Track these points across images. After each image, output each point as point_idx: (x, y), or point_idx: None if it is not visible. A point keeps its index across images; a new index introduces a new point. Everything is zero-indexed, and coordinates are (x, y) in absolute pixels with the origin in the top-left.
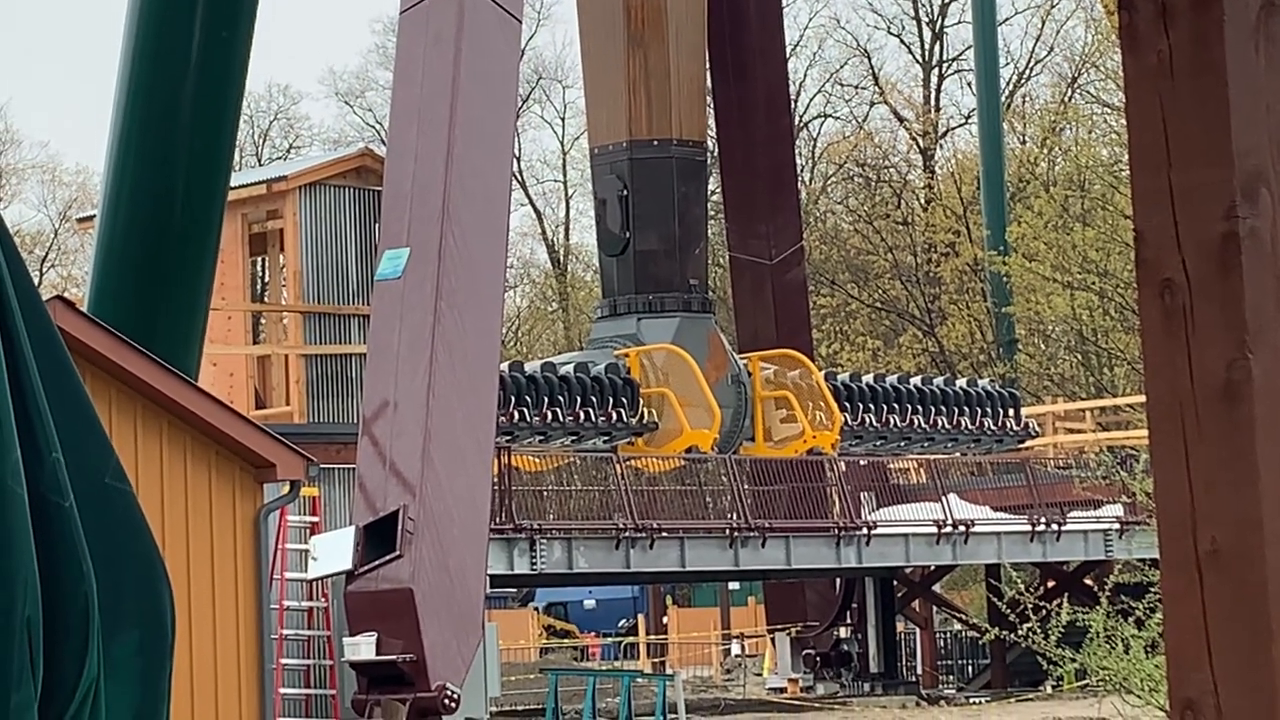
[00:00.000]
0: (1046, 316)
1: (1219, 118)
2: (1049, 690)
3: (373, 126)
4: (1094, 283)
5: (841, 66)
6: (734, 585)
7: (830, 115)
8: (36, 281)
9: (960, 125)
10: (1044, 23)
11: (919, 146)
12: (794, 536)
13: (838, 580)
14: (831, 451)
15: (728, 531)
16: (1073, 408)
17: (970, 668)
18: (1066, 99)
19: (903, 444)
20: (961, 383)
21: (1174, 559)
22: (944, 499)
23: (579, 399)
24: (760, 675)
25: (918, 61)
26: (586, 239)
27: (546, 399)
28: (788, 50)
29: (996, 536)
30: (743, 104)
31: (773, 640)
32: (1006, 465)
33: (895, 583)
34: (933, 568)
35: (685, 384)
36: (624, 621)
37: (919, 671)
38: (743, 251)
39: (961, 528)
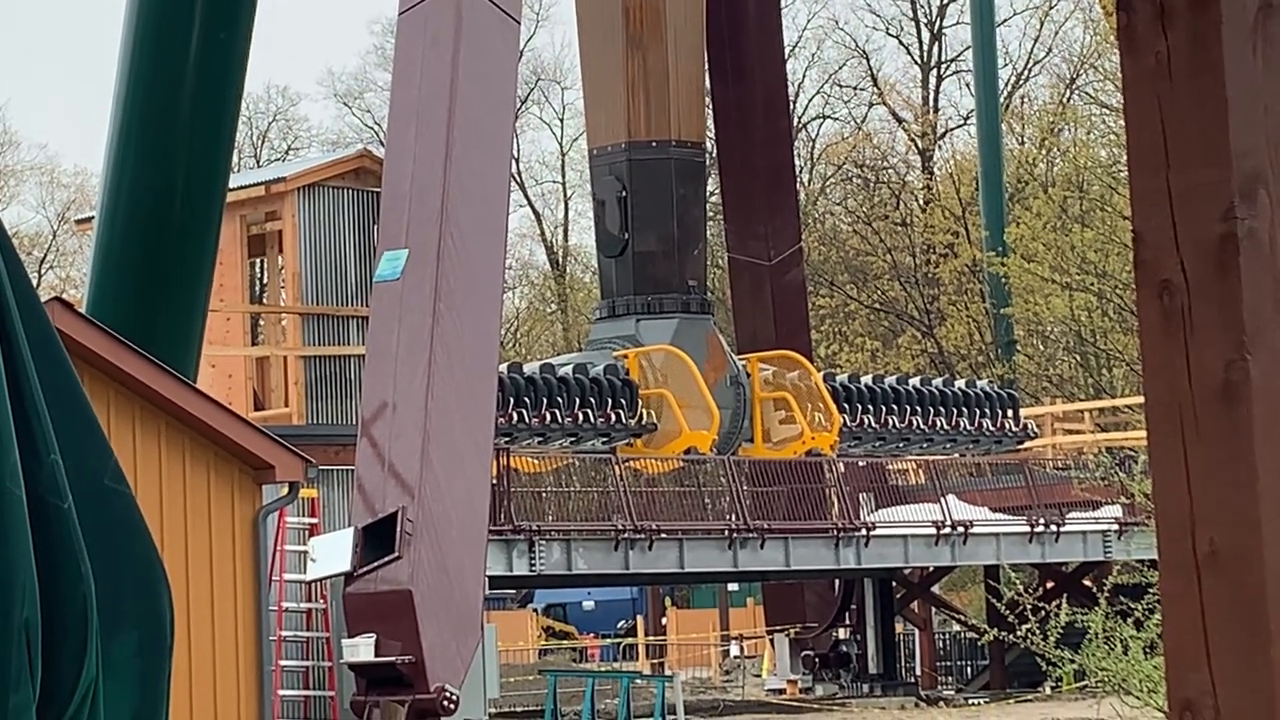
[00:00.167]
0: (1045, 317)
1: (1217, 119)
2: (1048, 691)
3: (371, 128)
4: (1092, 284)
5: (840, 67)
6: (733, 586)
7: (829, 116)
8: (35, 283)
9: (959, 126)
10: (1042, 24)
11: (918, 147)
12: (793, 538)
13: (837, 581)
14: (830, 452)
15: (726, 533)
16: (1071, 409)
17: (969, 669)
18: (1065, 100)
19: (901, 445)
20: (960, 384)
21: (1172, 560)
22: (943, 500)
23: (578, 400)
24: (759, 676)
25: (916, 62)
26: (585, 240)
27: (545, 400)
28: (786, 51)
29: (995, 537)
30: (741, 105)
31: (771, 641)
32: (1005, 466)
33: (894, 584)
34: (931, 569)
35: (684, 385)
36: (623, 623)
37: (918, 672)
38: (741, 252)
39: (960, 529)
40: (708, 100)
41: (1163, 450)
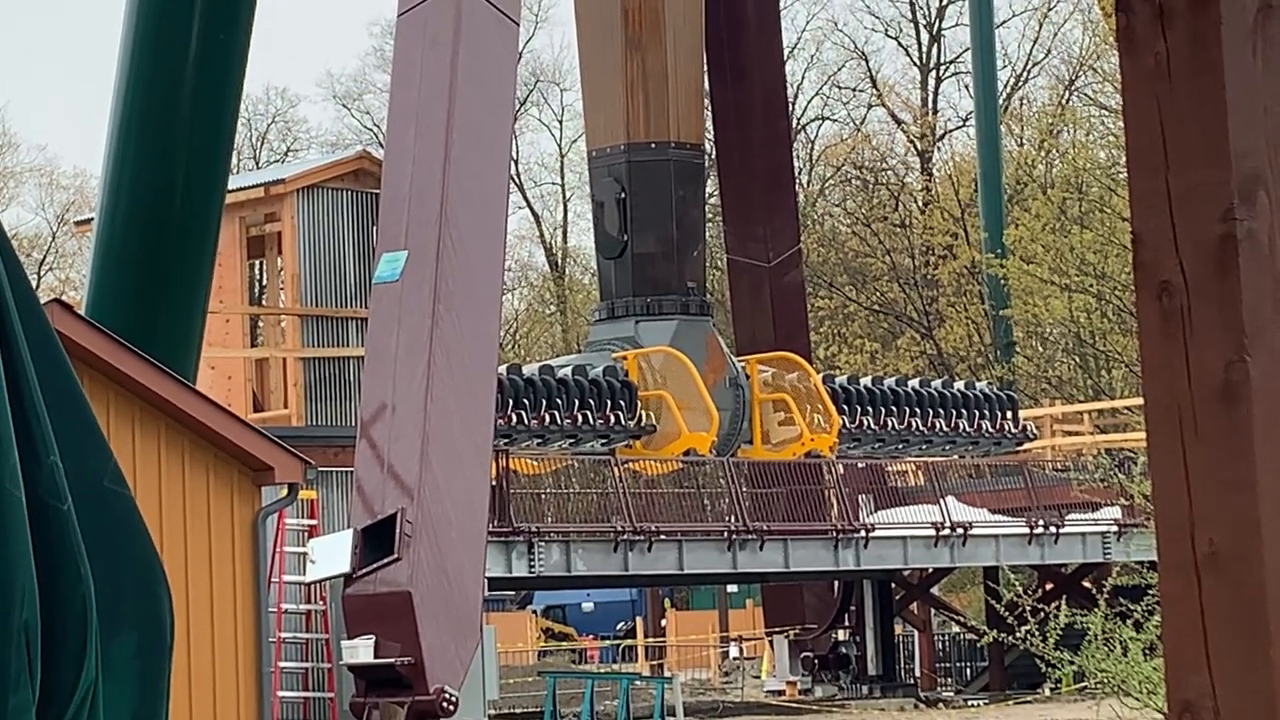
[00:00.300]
0: (1044, 319)
1: (1216, 120)
2: (1047, 693)
3: (370, 129)
4: (1092, 285)
5: (839, 69)
6: (732, 588)
7: (828, 118)
8: (34, 285)
9: (958, 128)
10: (1041, 25)
11: (917, 149)
12: (792, 539)
13: (836, 583)
14: (829, 454)
15: (726, 534)
16: (1071, 410)
17: (968, 670)
18: (1064, 101)
19: (901, 446)
20: (959, 385)
21: (1172, 561)
22: (942, 501)
23: (577, 402)
24: (758, 678)
25: (915, 64)
26: (584, 242)
27: (544, 402)
28: (785, 53)
29: (994, 539)
30: (740, 106)
31: (771, 643)
32: (1004, 468)
33: (893, 585)
34: (931, 570)
35: (683, 387)
36: (622, 624)
37: (917, 674)
38: (741, 254)
39: (960, 530)
40: (707, 102)
41: (1162, 451)
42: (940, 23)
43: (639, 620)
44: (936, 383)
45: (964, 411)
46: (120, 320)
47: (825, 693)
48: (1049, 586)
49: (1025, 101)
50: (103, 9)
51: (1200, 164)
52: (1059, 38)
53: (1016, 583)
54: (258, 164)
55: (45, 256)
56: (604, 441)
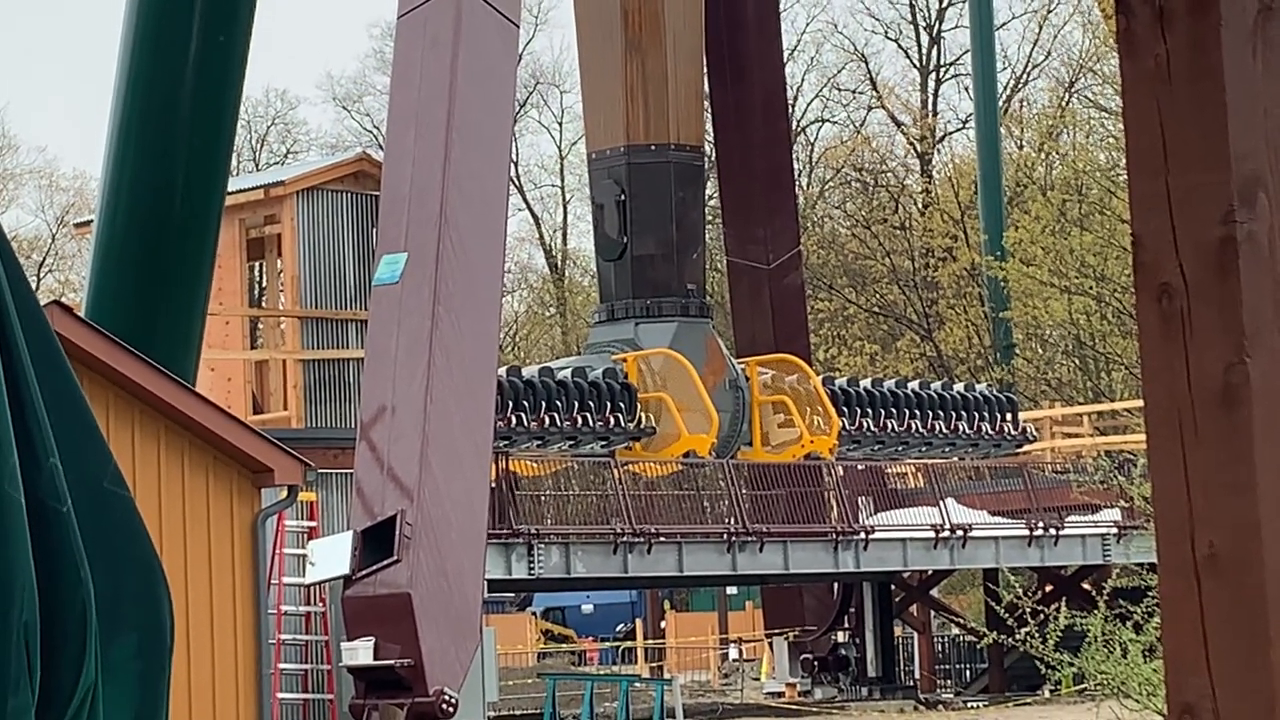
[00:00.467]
0: (1044, 321)
1: (1216, 122)
2: (1047, 695)
3: (370, 131)
4: (1091, 287)
5: (839, 71)
6: (732, 590)
7: (828, 120)
8: (34, 287)
9: (958, 130)
10: (1041, 27)
11: (916, 151)
12: (792, 541)
13: (835, 585)
14: (829, 456)
15: (725, 536)
16: (1070, 412)
17: (968, 672)
18: (1064, 103)
19: (900, 448)
20: (959, 387)
21: (1172, 563)
22: (942, 503)
23: (577, 404)
24: (758, 680)
25: (915, 66)
26: (584, 244)
27: (544, 404)
28: (785, 55)
29: (994, 541)
30: (740, 107)
31: (770, 645)
32: (1004, 470)
33: (893, 587)
34: (930, 572)
35: (683, 389)
36: (622, 626)
37: (917, 676)
38: (740, 256)
39: (959, 532)
40: (706, 103)
41: (1162, 453)
42: (940, 25)
43: (639, 622)
44: (936, 385)
45: (964, 413)
46: (120, 322)
47: (825, 694)
48: (1049, 588)
49: (1025, 103)
50: (102, 10)
51: (1200, 166)
52: (1059, 40)
53: (1016, 585)
54: (257, 166)
55: (45, 258)
56: (604, 443)
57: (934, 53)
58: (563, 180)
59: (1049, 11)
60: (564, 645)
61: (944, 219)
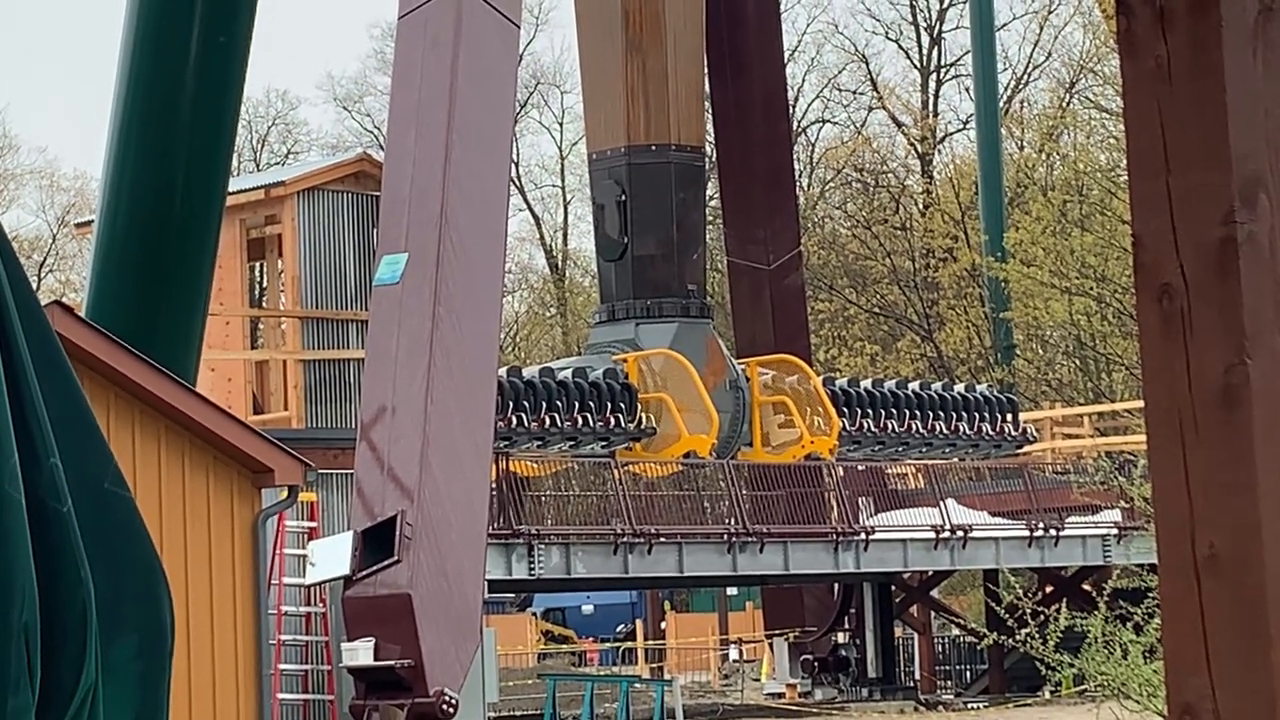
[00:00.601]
0: (1044, 322)
1: (1217, 122)
2: (1047, 695)
3: (371, 132)
4: (1092, 288)
5: (840, 72)
6: (732, 590)
7: (828, 120)
8: (35, 287)
9: (958, 130)
10: (1042, 28)
11: (917, 152)
12: (792, 542)
13: (836, 585)
14: (829, 456)
15: (726, 537)
16: (1071, 413)
17: (968, 673)
18: (1065, 104)
19: (901, 449)
20: (959, 388)
21: (1172, 564)
22: (942, 504)
23: (577, 404)
24: (758, 680)
25: (916, 67)
26: (585, 244)
27: (544, 404)
28: (786, 55)
29: (994, 542)
30: (741, 107)
31: (771, 645)
32: (1004, 470)
33: (893, 588)
34: (931, 573)
35: (683, 389)
36: (622, 627)
37: (917, 677)
38: (741, 256)
39: (959, 533)
40: (707, 104)
41: (1162, 454)
42: (941, 25)
43: (639, 623)
44: (937, 385)
45: (964, 414)
46: (120, 322)
47: (825, 695)
48: (1049, 589)
49: (1026, 104)
50: (103, 11)
51: (1201, 166)
52: (1059, 40)
53: (1016, 585)
54: (258, 166)
55: (45, 258)
56: (604, 444)
57: (935, 53)
58: (563, 180)
59: (1050, 12)
60: (564, 646)
61: (944, 219)
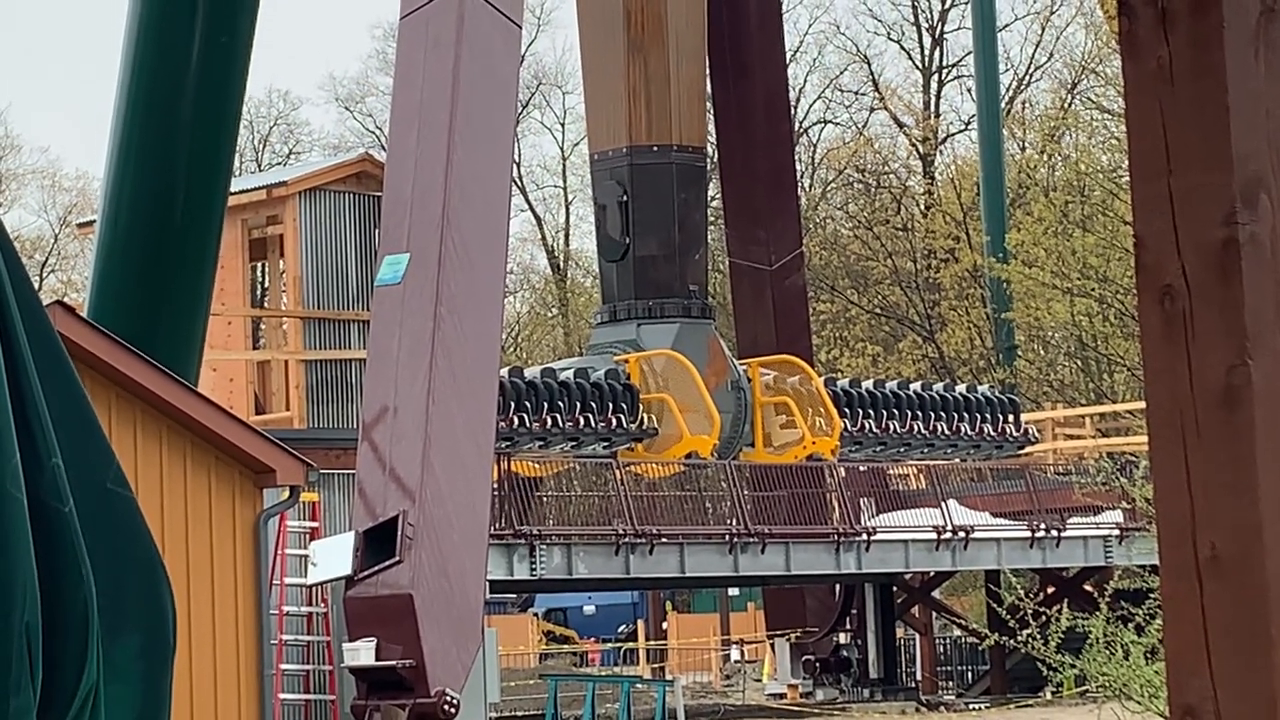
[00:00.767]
0: (1046, 322)
1: (1219, 123)
2: (1048, 696)
3: (373, 132)
4: (1094, 288)
5: (841, 72)
6: (734, 591)
7: (830, 121)
8: (36, 286)
9: (960, 131)
10: (1044, 29)
11: (919, 152)
12: (794, 542)
13: (837, 586)
14: (831, 457)
15: (727, 537)
16: (1072, 414)
17: (970, 673)
18: (1066, 105)
19: (902, 450)
20: (961, 388)
21: (1174, 565)
22: (944, 505)
23: (579, 405)
24: (760, 681)
25: (918, 67)
26: (586, 244)
27: (546, 405)
28: (787, 56)
29: (996, 542)
30: (742, 108)
31: (772, 646)
32: (1006, 471)
33: (895, 589)
34: (932, 573)
35: (685, 390)
36: (623, 627)
37: (919, 677)
38: (743, 257)
39: (961, 534)
40: (709, 104)
41: (1164, 455)
42: (942, 26)
43: (640, 623)
44: (938, 386)
45: (966, 415)
46: (122, 322)
47: (826, 696)
48: (1050, 590)
49: (1027, 105)
50: (105, 11)
51: (1202, 167)
52: (1061, 41)
53: (1018, 586)
54: (260, 166)
55: (47, 259)
56: (605, 444)
57: (936, 54)
58: (565, 181)
59: (1051, 13)
60: (566, 646)
61: (946, 220)
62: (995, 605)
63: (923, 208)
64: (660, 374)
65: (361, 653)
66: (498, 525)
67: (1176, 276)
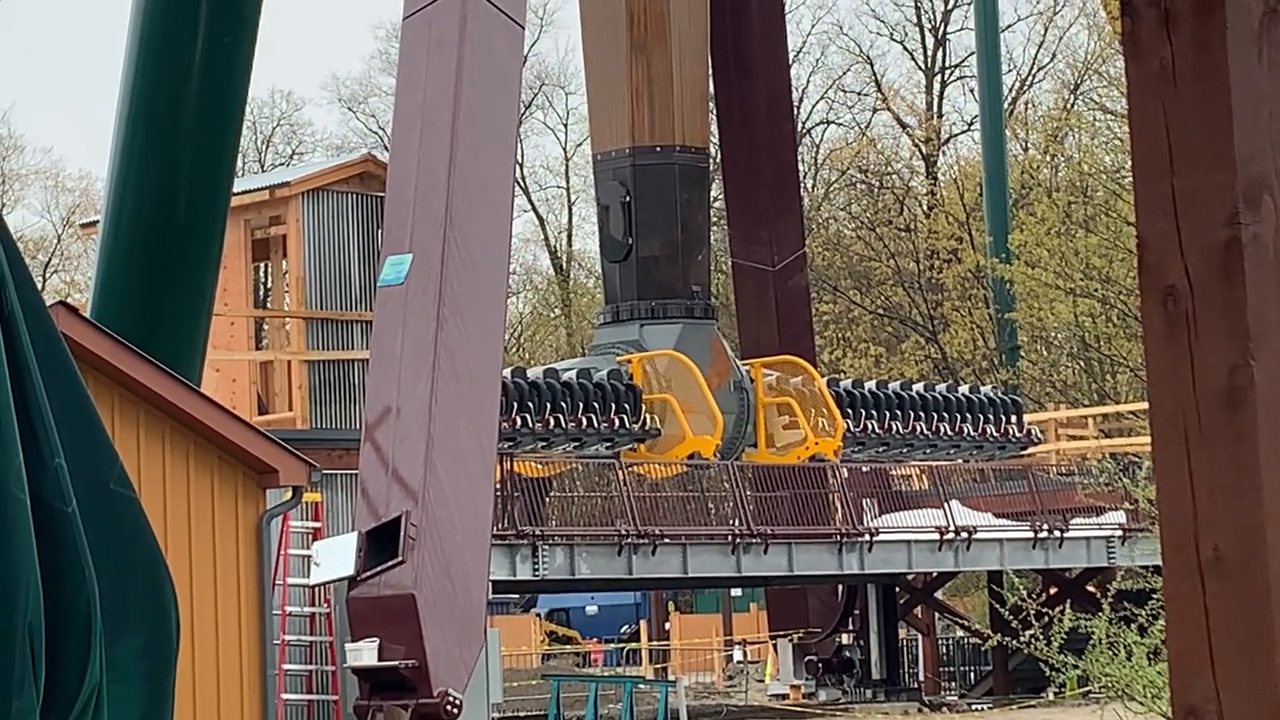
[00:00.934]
0: (1049, 323)
1: (1222, 124)
2: (1051, 697)
3: (376, 133)
4: (1096, 289)
5: (844, 73)
6: (736, 591)
7: (833, 122)
8: (40, 287)
9: (963, 132)
10: (1047, 29)
11: (921, 153)
12: (796, 543)
13: (840, 587)
14: (834, 458)
15: (730, 538)
16: (1075, 414)
17: (972, 674)
18: (1069, 105)
19: (905, 450)
20: (964, 389)
21: (1177, 566)
22: (946, 505)
23: (581, 405)
24: (762, 682)
25: (920, 68)
26: (589, 245)
27: (549, 405)
28: (790, 56)
29: (999, 543)
30: (745, 109)
31: (775, 646)
32: (1009, 472)
33: (897, 589)
34: (935, 574)
35: (688, 390)
36: (626, 627)
37: (921, 678)
38: (745, 258)
39: (964, 534)
40: (711, 105)
41: (1167, 456)
42: (945, 27)
43: (643, 623)
44: (941, 387)
45: (968, 415)
46: (125, 323)
47: (829, 696)
48: (1053, 591)
49: (1030, 105)
50: (108, 11)
51: (1205, 168)
52: (1064, 42)
53: (1021, 587)
54: (263, 167)
55: (50, 259)
56: (608, 445)
57: (939, 55)
58: (568, 181)
59: (1054, 13)
60: (568, 647)
61: (949, 221)
62: (998, 606)
63: (925, 208)
64: (663, 374)
65: (364, 653)
66: (500, 526)
67: (1179, 277)
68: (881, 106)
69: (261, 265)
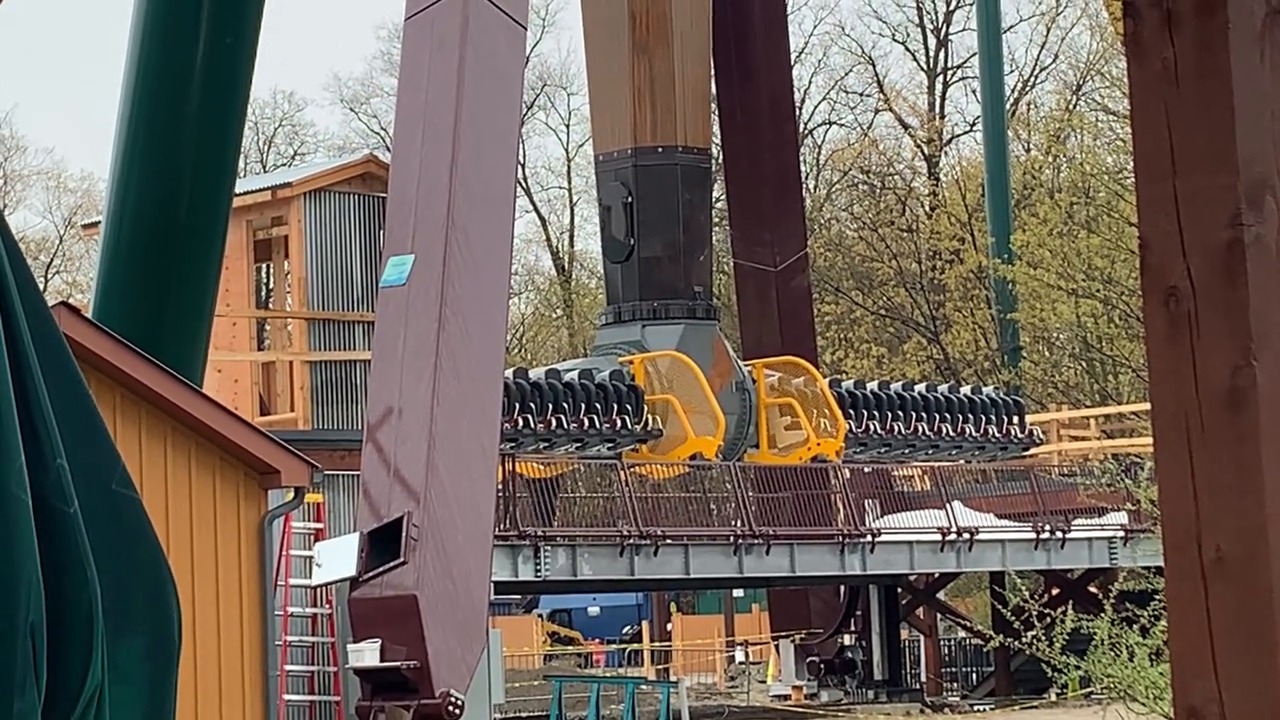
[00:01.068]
0: (1051, 324)
1: (1224, 124)
2: (1053, 698)
3: (378, 133)
4: (1099, 290)
5: (846, 74)
6: (738, 592)
7: (835, 122)
8: (41, 287)
9: (965, 132)
10: (1049, 30)
11: (924, 154)
12: (798, 544)
13: (842, 587)
14: (836, 459)
15: (732, 539)
16: (1077, 415)
17: (974, 675)
18: (1071, 106)
19: (907, 451)
20: (966, 390)
21: (1179, 567)
22: (948, 506)
23: (583, 406)
24: (764, 682)
25: (922, 69)
26: (591, 246)
27: (551, 406)
28: (792, 57)
29: (1001, 544)
30: (747, 109)
31: (777, 647)
32: (1011, 473)
33: (899, 590)
34: (937, 575)
35: (689, 391)
36: (628, 628)
37: (923, 679)
38: (747, 258)
39: (966, 535)
40: (714, 105)
41: (1169, 457)
42: (947, 28)
43: (645, 624)
44: (943, 387)
45: (970, 416)
46: (127, 323)
47: (831, 697)
48: (1055, 591)
49: (1032, 106)
50: (109, 12)
51: (1208, 169)
52: (1066, 42)
53: (1023, 587)
54: (265, 168)
55: (52, 259)
56: (610, 445)
57: (941, 55)
58: (570, 182)
59: (1057, 14)
60: (570, 647)
61: (951, 221)
62: (1000, 607)
63: (927, 209)
64: (665, 375)
65: (366, 654)
66: (502, 526)
67: (1182, 278)
68: (883, 107)
69: (263, 266)
